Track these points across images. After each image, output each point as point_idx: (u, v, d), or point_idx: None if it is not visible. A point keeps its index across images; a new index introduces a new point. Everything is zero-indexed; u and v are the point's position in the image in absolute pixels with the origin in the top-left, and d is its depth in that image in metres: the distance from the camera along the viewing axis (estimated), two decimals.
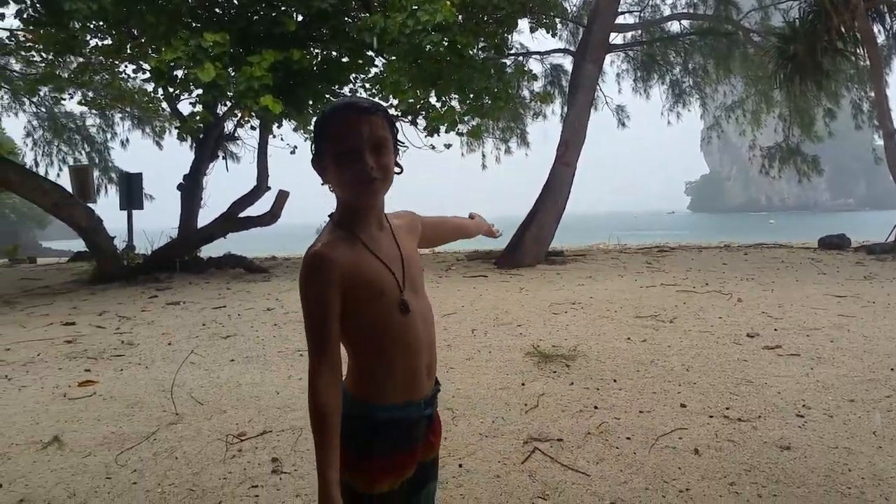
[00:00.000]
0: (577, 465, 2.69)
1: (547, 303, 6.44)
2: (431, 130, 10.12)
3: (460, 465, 2.72)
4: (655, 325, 5.24)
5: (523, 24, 12.60)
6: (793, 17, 12.35)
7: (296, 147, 12.24)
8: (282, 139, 12.09)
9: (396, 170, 1.31)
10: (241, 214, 11.27)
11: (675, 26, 15.76)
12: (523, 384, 3.77)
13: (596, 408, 3.35)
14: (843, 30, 10.90)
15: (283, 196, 11.24)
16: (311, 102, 9.31)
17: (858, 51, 11.58)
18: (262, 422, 3.26)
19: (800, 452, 2.76)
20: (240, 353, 4.71)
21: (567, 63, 15.40)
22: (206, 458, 2.84)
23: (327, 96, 10.07)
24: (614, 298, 6.62)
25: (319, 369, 1.21)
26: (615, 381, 3.79)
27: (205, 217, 11.74)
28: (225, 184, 12.41)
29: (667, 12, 15.67)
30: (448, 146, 10.87)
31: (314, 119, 1.33)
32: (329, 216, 1.33)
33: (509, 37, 12.40)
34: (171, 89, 9.11)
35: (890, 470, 2.57)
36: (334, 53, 9.90)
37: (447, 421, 3.21)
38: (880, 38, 11.68)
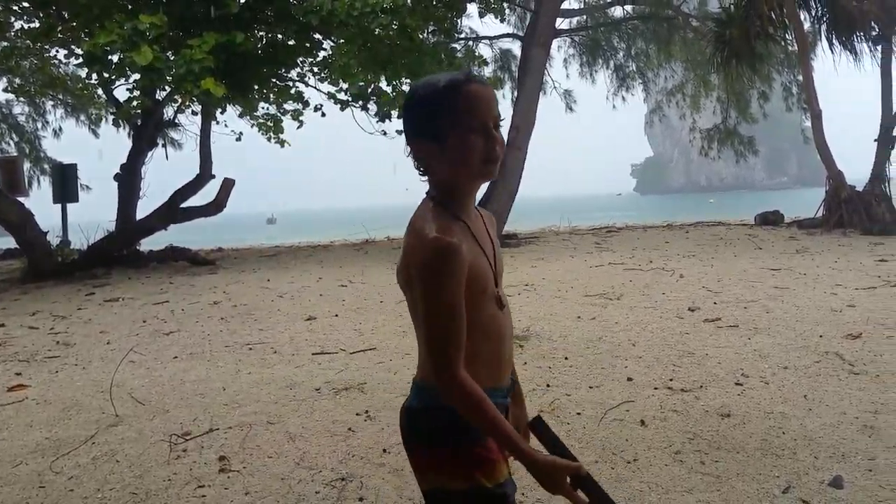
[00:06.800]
0: (531, 443, 2.74)
1: None
2: (383, 115, 10.00)
3: None
4: (604, 303, 5.38)
5: (472, 8, 12.57)
6: (728, 2, 12.79)
7: (241, 133, 11.86)
8: (226, 125, 11.66)
9: None
10: (184, 204, 10.86)
11: (618, 11, 16.06)
12: None
13: (548, 386, 3.42)
14: (772, 15, 11.35)
15: (228, 184, 10.88)
16: (256, 87, 9.01)
17: (787, 35, 12.11)
18: (207, 420, 3.16)
19: (739, 419, 2.89)
20: (183, 349, 4.54)
21: (516, 48, 15.47)
22: (149, 460, 2.74)
23: (273, 80, 9.78)
24: (565, 279, 6.75)
25: (457, 364, 1.13)
26: (566, 358, 3.88)
27: (144, 208, 11.25)
28: (165, 173, 11.91)
29: None
30: (400, 132, 10.77)
31: (421, 91, 1.20)
32: (427, 194, 1.24)
33: (458, 21, 12.34)
34: (105, 74, 8.67)
35: (819, 431, 2.73)
36: (280, 36, 9.61)
37: None
38: (806, 24, 12.21)
